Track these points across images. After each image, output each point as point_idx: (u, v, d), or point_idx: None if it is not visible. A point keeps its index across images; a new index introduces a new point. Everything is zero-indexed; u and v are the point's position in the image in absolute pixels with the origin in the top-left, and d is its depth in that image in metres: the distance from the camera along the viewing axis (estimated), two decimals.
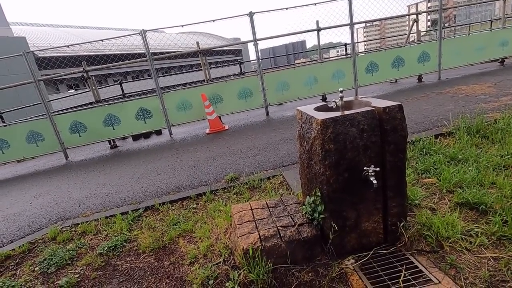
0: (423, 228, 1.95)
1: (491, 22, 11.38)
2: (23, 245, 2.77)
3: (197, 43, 6.88)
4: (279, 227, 1.96)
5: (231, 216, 2.35)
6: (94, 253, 2.49)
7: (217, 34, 45.75)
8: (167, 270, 2.15)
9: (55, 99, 10.81)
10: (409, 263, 1.74)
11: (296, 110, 2.09)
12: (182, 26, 6.57)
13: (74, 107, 8.08)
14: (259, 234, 1.91)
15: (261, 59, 6.95)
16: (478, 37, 8.16)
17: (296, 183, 2.96)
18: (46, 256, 2.50)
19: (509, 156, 2.75)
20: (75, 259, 2.47)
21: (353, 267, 1.79)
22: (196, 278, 1.94)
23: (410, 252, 1.83)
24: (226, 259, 2.07)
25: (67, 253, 2.51)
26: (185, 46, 8.92)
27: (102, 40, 6.34)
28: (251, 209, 2.25)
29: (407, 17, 10.31)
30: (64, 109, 7.73)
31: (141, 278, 2.12)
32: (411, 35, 8.65)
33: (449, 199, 2.29)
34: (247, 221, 2.09)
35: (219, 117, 6.71)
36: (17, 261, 2.60)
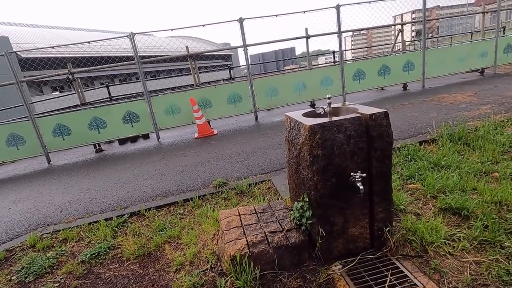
0: (408, 233, 1.99)
1: (472, 34, 11.87)
2: None
3: (187, 47, 6.86)
4: (267, 233, 1.95)
5: (218, 222, 2.33)
6: (75, 261, 2.40)
7: (207, 39, 45.73)
8: (152, 277, 2.09)
9: (39, 101, 10.48)
10: (394, 268, 1.76)
11: (285, 116, 2.11)
12: (172, 30, 6.55)
13: (59, 109, 7.86)
14: (246, 240, 1.89)
15: (251, 64, 6.99)
16: (460, 48, 8.50)
17: (284, 188, 2.96)
18: (24, 265, 2.39)
19: (489, 162, 2.85)
20: (55, 267, 2.38)
21: (340, 272, 1.79)
22: (182, 286, 1.90)
23: (395, 257, 1.85)
24: (213, 266, 2.04)
25: (47, 261, 2.41)
26: (175, 50, 8.87)
27: (89, 42, 6.24)
28: (239, 215, 2.23)
29: (392, 27, 10.62)
30: (48, 112, 7.50)
31: (125, 286, 2.06)
32: (396, 44, 8.91)
33: (433, 204, 2.35)
34: (234, 227, 2.07)
35: (208, 121, 6.67)
36: None
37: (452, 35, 15.12)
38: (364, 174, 1.71)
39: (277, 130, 5.72)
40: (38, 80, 6.71)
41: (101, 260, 2.38)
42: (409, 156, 3.27)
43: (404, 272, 1.72)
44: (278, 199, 2.88)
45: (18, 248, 2.72)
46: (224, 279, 1.85)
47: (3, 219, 3.50)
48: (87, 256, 2.41)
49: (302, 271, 1.85)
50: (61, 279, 2.22)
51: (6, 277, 2.33)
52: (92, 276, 2.22)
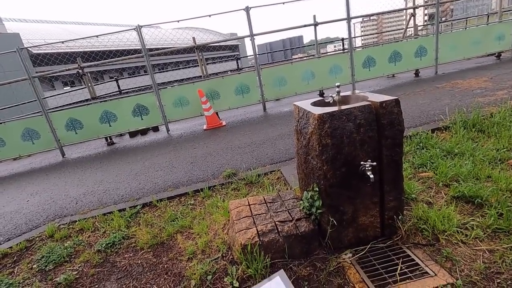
0: (420, 222, 1.97)
1: (488, 16, 11.37)
2: (20, 243, 2.76)
3: (193, 38, 6.83)
4: (276, 222, 1.97)
5: (229, 212, 2.36)
6: (92, 250, 2.49)
7: (214, 30, 45.36)
8: (165, 266, 2.15)
9: (51, 96, 10.69)
10: (405, 256, 1.76)
11: (293, 105, 2.09)
12: (178, 21, 6.51)
13: (70, 104, 8.01)
14: (257, 229, 1.91)
15: (258, 54, 6.92)
16: (475, 31, 8.16)
17: (293, 178, 2.96)
18: (44, 254, 2.50)
19: (504, 149, 2.77)
20: (73, 256, 2.47)
21: (350, 261, 1.80)
22: (195, 274, 1.95)
23: (406, 245, 1.84)
24: (224, 255, 2.08)
25: (65, 250, 2.51)
26: (181, 42, 8.85)
27: (97, 36, 6.27)
28: (249, 205, 2.25)
29: (404, 11, 10.27)
30: (60, 106, 7.66)
31: (140, 274, 2.13)
32: (408, 29, 8.63)
33: (446, 192, 2.31)
34: (245, 217, 2.09)
35: (216, 113, 6.68)
36: (14, 259, 2.59)
37: (467, 17, 14.53)
38: (374, 163, 1.69)
39: (286, 120, 5.68)
40: (49, 75, 6.82)
41: (116, 249, 2.45)
42: (421, 144, 3.21)
43: (415, 261, 1.71)
44: (287, 189, 2.89)
45: (37, 238, 2.83)
46: (236, 267, 1.88)
47: (22, 210, 3.64)
48: (103, 246, 2.49)
49: (312, 260, 1.87)
50: (79, 267, 2.31)
51: (28, 265, 2.44)
52: (108, 264, 2.30)
